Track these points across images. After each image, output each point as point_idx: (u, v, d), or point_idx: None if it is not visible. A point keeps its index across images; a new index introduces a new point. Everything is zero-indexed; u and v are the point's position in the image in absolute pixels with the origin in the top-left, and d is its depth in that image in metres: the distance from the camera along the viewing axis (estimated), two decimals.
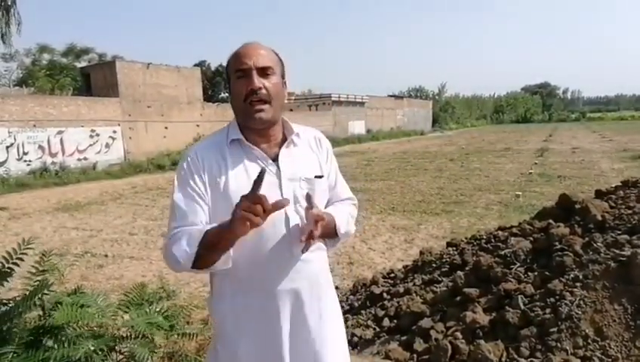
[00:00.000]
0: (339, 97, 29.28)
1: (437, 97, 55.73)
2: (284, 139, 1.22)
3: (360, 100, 31.55)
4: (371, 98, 33.23)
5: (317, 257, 1.22)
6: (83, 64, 21.68)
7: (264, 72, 1.13)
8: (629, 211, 2.26)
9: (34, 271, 2.11)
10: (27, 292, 1.93)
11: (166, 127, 17.93)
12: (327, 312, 1.24)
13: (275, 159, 1.18)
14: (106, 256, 5.35)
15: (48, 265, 2.23)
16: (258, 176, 0.99)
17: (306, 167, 1.21)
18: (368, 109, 32.48)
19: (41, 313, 2.09)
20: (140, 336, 2.04)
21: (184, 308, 2.61)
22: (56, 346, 1.83)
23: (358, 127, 30.49)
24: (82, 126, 14.99)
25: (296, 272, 1.16)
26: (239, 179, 1.13)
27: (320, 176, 1.22)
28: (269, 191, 1.08)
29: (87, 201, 9.51)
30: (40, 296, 1.94)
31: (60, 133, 14.32)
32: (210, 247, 1.06)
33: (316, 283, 1.21)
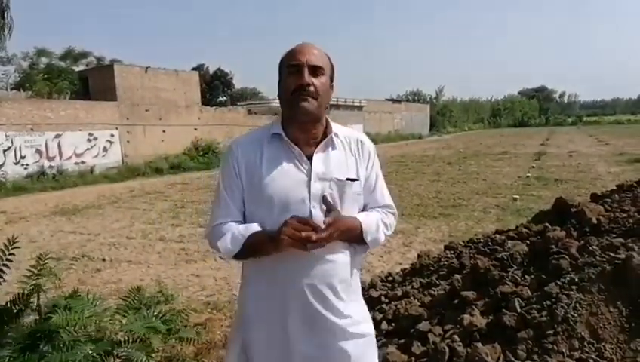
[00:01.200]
0: (337, 101, 29.35)
1: (434, 101, 55.93)
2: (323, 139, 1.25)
3: (358, 104, 31.64)
4: (369, 102, 33.33)
5: (337, 259, 1.21)
6: (81, 68, 21.71)
7: (315, 70, 1.18)
8: (624, 214, 2.28)
9: (29, 274, 2.11)
10: (19, 296, 1.93)
11: (164, 131, 17.92)
12: (340, 317, 1.22)
13: (311, 157, 1.21)
14: (104, 259, 5.33)
15: (44, 269, 2.23)
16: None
17: (340, 169, 1.22)
18: (366, 113, 32.57)
19: (37, 317, 2.09)
20: (138, 340, 2.04)
21: (182, 312, 2.61)
22: (53, 351, 1.82)
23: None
24: (80, 130, 14.98)
25: (311, 269, 1.18)
26: (272, 173, 1.19)
27: (353, 179, 1.23)
28: (297, 186, 1.19)
29: (85, 205, 9.49)
30: (36, 299, 1.94)
31: (57, 136, 14.30)
32: (251, 251, 1.19)
33: (331, 285, 1.20)
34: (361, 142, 1.31)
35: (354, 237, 1.22)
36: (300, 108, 1.16)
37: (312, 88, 1.16)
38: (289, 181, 1.18)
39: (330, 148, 1.24)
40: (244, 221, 1.24)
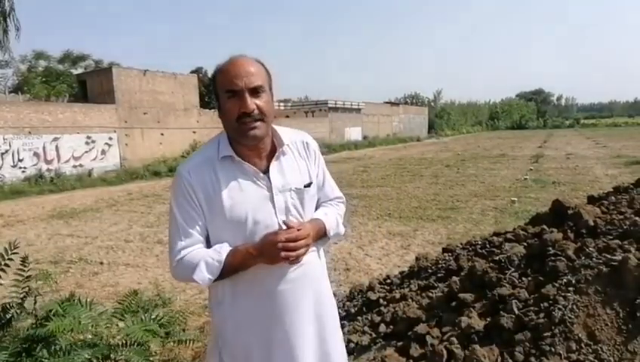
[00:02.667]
0: (335, 103, 29.42)
1: (433, 104, 56.12)
2: (273, 150, 1.25)
3: (356, 107, 31.70)
4: (368, 104, 33.40)
5: (309, 257, 1.26)
6: (79, 71, 21.69)
7: (255, 91, 1.15)
8: (621, 216, 2.28)
9: (20, 278, 2.10)
10: (10, 301, 1.92)
11: (162, 134, 17.92)
12: (325, 307, 1.33)
13: (266, 171, 1.22)
14: (101, 263, 5.32)
15: (37, 272, 2.22)
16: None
17: (295, 177, 1.26)
18: (365, 116, 32.63)
19: (33, 321, 2.08)
20: (136, 344, 2.04)
21: (180, 315, 2.61)
22: (49, 356, 1.82)
23: (354, 134, 30.61)
24: (78, 133, 14.96)
25: (291, 272, 1.23)
26: (233, 195, 1.18)
27: (309, 185, 1.28)
28: (261, 203, 1.20)
29: (83, 208, 9.47)
30: (32, 303, 1.94)
31: (55, 139, 14.29)
32: (231, 271, 1.17)
33: (309, 278, 1.28)
34: (307, 143, 1.34)
35: (319, 236, 1.30)
36: (250, 136, 1.16)
37: (256, 112, 1.14)
38: (252, 200, 1.19)
39: (281, 158, 1.25)
40: (208, 246, 1.21)
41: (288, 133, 1.30)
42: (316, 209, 1.35)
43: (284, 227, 1.17)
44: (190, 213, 1.18)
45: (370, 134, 32.25)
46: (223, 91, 1.15)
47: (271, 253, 1.13)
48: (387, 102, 40.27)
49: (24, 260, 2.16)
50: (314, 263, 1.31)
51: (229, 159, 1.20)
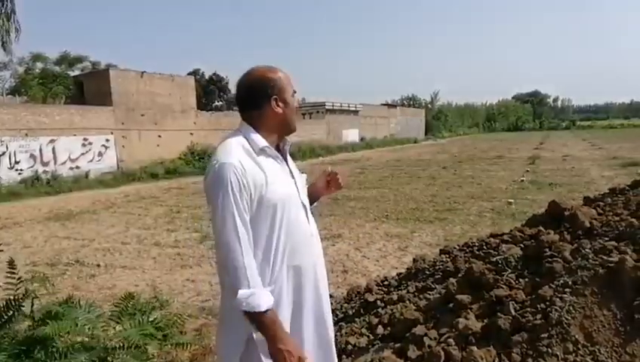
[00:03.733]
0: (332, 105, 29.44)
1: (430, 106, 56.24)
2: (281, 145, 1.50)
3: (354, 109, 31.74)
4: (365, 106, 33.45)
5: (318, 233, 1.53)
6: (76, 72, 21.63)
7: None
8: (617, 218, 2.30)
9: (13, 280, 2.08)
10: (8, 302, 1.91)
11: (159, 136, 17.88)
12: (325, 280, 1.56)
13: (285, 160, 1.48)
14: (98, 265, 5.30)
15: (34, 275, 2.21)
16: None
17: (296, 166, 1.54)
18: (362, 118, 32.67)
19: (30, 323, 2.07)
20: (133, 347, 2.03)
21: (178, 318, 2.60)
22: (46, 358, 1.81)
23: (352, 136, 30.64)
24: (75, 135, 14.91)
25: (313, 247, 1.47)
26: (275, 177, 1.36)
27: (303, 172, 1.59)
28: (292, 185, 1.44)
29: (79, 210, 9.43)
30: (29, 305, 1.93)
31: (52, 141, 14.22)
32: (253, 321, 1.28)
33: (321, 256, 1.54)
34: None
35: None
36: (296, 125, 1.49)
37: None
38: (287, 182, 1.42)
39: (287, 152, 1.52)
40: None
41: None
42: None
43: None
44: (245, 211, 1.28)
45: (367, 136, 32.28)
46: (291, 89, 1.44)
47: (280, 356, 1.25)
48: (384, 104, 40.33)
49: (11, 264, 2.14)
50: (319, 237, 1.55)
51: (264, 150, 1.37)
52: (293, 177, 1.45)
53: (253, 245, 1.29)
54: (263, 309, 1.23)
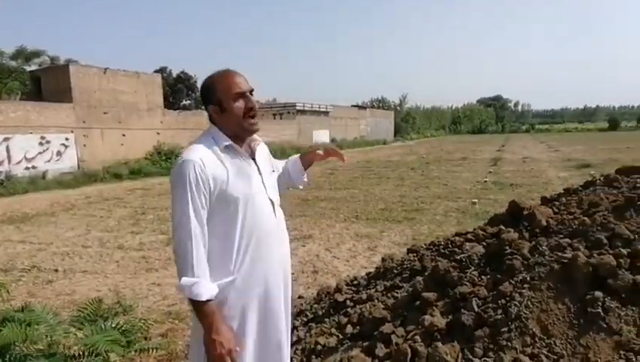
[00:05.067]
0: (303, 106, 29.46)
1: (398, 108, 57.38)
2: (248, 144, 1.56)
3: (324, 110, 31.89)
4: (335, 108, 33.68)
5: (285, 227, 1.61)
6: (33, 67, 20.45)
7: (251, 93, 1.49)
8: (571, 216, 2.43)
9: None
10: None
11: (124, 135, 17.24)
12: (289, 275, 1.63)
13: (252, 158, 1.52)
14: (56, 270, 5.04)
15: None
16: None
17: (267, 164, 1.61)
18: (332, 119, 32.87)
19: None
20: (94, 354, 1.95)
21: (143, 323, 2.52)
22: None
23: (322, 136, 30.76)
24: (31, 132, 14.11)
25: (280, 242, 1.55)
26: (237, 174, 1.42)
27: (274, 171, 1.67)
28: (256, 182, 1.49)
29: (36, 213, 8.94)
30: None
31: (5, 140, 13.40)
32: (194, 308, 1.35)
33: (288, 250, 1.62)
34: (264, 143, 1.68)
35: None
36: (254, 128, 1.49)
37: (256, 109, 1.49)
38: (251, 179, 1.47)
39: (258, 150, 1.57)
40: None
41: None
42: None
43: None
44: (203, 201, 1.35)
45: (337, 137, 32.51)
46: (231, 94, 1.43)
47: (216, 352, 1.31)
48: (355, 106, 40.77)
49: None
50: (286, 232, 1.62)
51: (229, 148, 1.44)
52: (260, 174, 1.50)
53: (207, 238, 1.36)
54: (203, 299, 1.29)
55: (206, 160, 1.36)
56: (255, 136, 1.58)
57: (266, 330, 1.49)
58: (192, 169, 1.33)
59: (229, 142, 1.44)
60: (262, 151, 1.59)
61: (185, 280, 1.30)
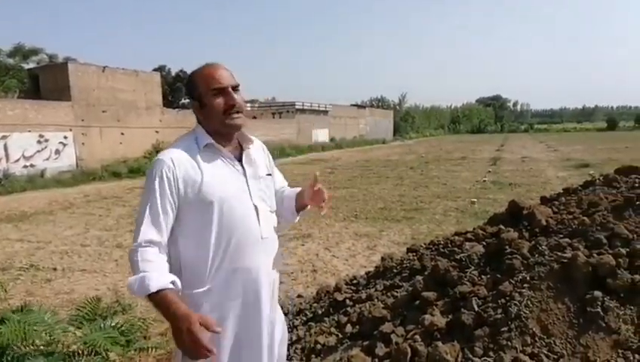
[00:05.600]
0: (303, 105, 29.43)
1: (398, 107, 57.42)
2: (239, 146, 1.45)
3: (324, 109, 31.87)
4: (335, 107, 33.66)
5: (276, 237, 1.50)
6: (31, 65, 20.39)
7: (235, 89, 1.37)
8: (570, 216, 2.43)
9: None
10: None
11: (122, 133, 17.20)
12: (273, 285, 1.51)
13: (239, 160, 1.42)
14: (55, 269, 5.03)
15: None
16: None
17: (260, 167, 1.48)
18: (332, 118, 32.86)
19: None
20: (93, 353, 1.95)
21: (142, 323, 2.52)
22: None
23: (321, 135, 30.75)
24: (29, 130, 14.07)
25: (264, 251, 1.42)
26: (215, 177, 1.33)
27: (269, 174, 1.53)
28: (239, 186, 1.38)
29: (34, 211, 8.92)
30: None
31: (3, 138, 13.36)
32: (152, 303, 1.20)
33: (275, 260, 1.48)
34: (263, 146, 1.59)
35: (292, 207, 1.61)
36: (236, 126, 1.38)
37: (239, 105, 1.36)
38: (232, 183, 1.36)
39: (249, 151, 1.46)
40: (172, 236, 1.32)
41: (248, 134, 1.51)
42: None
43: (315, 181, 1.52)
44: (167, 203, 1.27)
45: (337, 136, 32.50)
46: (209, 89, 1.34)
47: (184, 338, 1.13)
48: (354, 105, 40.76)
49: None
50: (277, 241, 1.50)
51: (209, 147, 1.36)
52: (245, 177, 1.40)
53: (165, 240, 1.27)
54: (152, 289, 1.16)
55: (178, 161, 1.29)
56: (250, 136, 1.48)
57: (241, 347, 1.38)
58: (159, 168, 1.27)
59: (209, 141, 1.36)
60: (254, 153, 1.48)
61: (130, 281, 1.20)
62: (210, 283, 1.32)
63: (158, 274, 1.19)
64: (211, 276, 1.32)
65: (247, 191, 1.38)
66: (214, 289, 1.33)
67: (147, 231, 1.23)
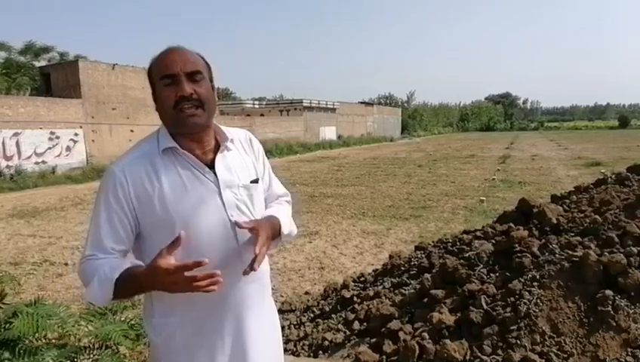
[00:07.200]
0: (310, 103, 29.42)
1: (406, 105, 57.16)
2: (217, 146, 1.18)
3: (331, 106, 31.83)
4: (342, 104, 33.60)
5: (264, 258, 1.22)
6: (43, 63, 20.66)
7: (193, 77, 1.09)
8: (581, 214, 2.41)
9: None
10: None
11: (132, 130, 17.37)
12: (269, 310, 1.29)
13: (211, 166, 1.14)
14: (66, 264, 5.11)
15: (3, 276, 2.11)
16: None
17: (242, 173, 1.19)
18: (339, 115, 32.81)
19: None
20: (104, 347, 1.98)
21: None
22: (13, 358, 1.74)
23: (329, 133, 30.73)
24: (41, 128, 14.27)
25: (237, 270, 1.11)
26: (176, 191, 1.09)
27: (256, 181, 1.22)
28: (208, 198, 1.11)
29: (46, 207, 9.05)
30: None
31: (16, 135, 13.57)
32: (128, 294, 1.04)
33: (261, 284, 1.24)
34: (250, 139, 1.28)
35: (273, 234, 1.18)
36: (190, 124, 1.08)
37: (195, 97, 1.08)
38: (198, 195, 1.10)
39: (226, 153, 1.18)
40: (139, 251, 1.14)
41: (231, 130, 1.24)
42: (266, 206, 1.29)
43: (238, 228, 1.10)
44: (113, 218, 1.08)
45: (344, 134, 32.45)
46: (159, 78, 1.09)
47: (164, 282, 0.95)
48: (362, 103, 40.65)
49: None
50: (265, 264, 1.23)
51: (170, 152, 1.11)
52: (218, 187, 1.12)
53: (115, 257, 1.08)
54: (116, 275, 0.99)
55: (131, 173, 1.08)
56: (230, 130, 1.23)
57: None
58: (109, 181, 1.09)
59: (170, 144, 1.11)
60: (233, 155, 1.19)
61: (85, 293, 1.05)
62: (182, 313, 1.13)
63: (111, 265, 1.03)
64: (178, 306, 1.12)
65: (219, 204, 1.12)
66: (185, 321, 1.13)
67: (90, 244, 1.09)
